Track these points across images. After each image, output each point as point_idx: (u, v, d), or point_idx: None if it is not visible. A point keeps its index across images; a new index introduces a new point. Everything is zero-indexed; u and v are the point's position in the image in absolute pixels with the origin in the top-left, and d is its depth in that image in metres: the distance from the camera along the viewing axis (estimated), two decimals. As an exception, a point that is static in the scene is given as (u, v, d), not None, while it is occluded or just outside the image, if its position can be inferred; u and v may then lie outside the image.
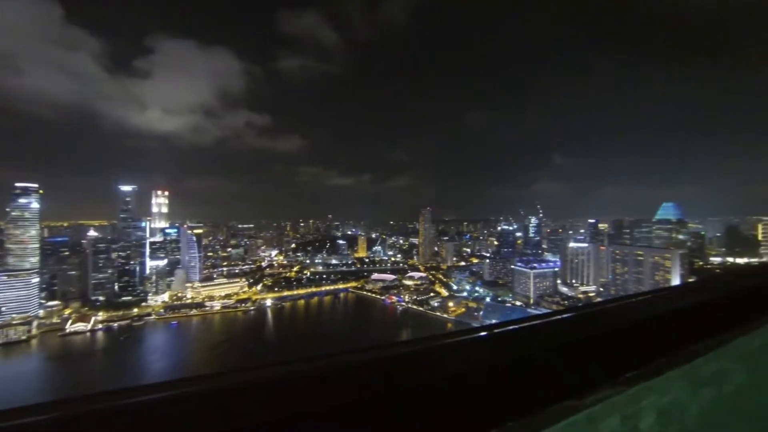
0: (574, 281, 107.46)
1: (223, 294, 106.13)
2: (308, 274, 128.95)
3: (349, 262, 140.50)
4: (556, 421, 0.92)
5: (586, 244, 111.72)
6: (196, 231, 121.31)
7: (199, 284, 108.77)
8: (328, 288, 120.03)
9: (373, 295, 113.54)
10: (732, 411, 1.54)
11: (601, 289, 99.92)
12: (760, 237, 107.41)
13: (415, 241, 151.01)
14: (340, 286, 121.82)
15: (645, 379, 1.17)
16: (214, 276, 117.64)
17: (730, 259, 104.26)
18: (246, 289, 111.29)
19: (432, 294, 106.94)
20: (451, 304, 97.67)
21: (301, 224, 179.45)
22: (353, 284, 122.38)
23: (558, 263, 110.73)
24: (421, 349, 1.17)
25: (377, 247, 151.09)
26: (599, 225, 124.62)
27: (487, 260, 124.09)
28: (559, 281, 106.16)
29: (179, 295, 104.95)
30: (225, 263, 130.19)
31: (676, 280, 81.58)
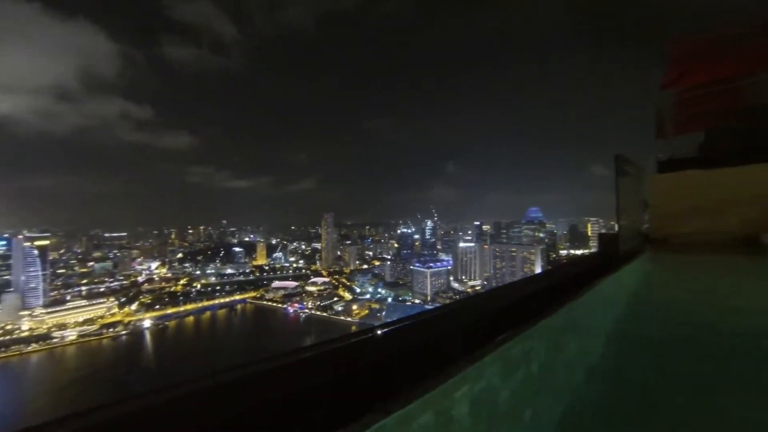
0: (463, 277, 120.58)
1: (81, 320, 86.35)
2: (198, 286, 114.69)
3: (247, 270, 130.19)
4: (365, 427, 0.92)
5: (473, 244, 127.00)
6: (38, 243, 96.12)
7: (43, 310, 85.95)
8: (222, 300, 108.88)
9: (274, 304, 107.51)
10: (539, 386, 1.63)
11: (485, 282, 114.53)
12: (589, 233, 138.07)
13: (317, 246, 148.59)
14: (237, 297, 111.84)
15: (460, 371, 1.20)
16: (68, 298, 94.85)
17: (572, 251, 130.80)
18: (116, 310, 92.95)
19: (336, 298, 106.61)
20: (354, 307, 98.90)
21: (190, 231, 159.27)
22: (252, 294, 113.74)
23: (450, 262, 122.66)
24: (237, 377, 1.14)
25: (278, 254, 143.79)
26: (483, 226, 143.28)
27: (388, 262, 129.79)
28: (451, 278, 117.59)
29: (9, 327, 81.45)
30: (85, 281, 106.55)
31: (538, 269, 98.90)
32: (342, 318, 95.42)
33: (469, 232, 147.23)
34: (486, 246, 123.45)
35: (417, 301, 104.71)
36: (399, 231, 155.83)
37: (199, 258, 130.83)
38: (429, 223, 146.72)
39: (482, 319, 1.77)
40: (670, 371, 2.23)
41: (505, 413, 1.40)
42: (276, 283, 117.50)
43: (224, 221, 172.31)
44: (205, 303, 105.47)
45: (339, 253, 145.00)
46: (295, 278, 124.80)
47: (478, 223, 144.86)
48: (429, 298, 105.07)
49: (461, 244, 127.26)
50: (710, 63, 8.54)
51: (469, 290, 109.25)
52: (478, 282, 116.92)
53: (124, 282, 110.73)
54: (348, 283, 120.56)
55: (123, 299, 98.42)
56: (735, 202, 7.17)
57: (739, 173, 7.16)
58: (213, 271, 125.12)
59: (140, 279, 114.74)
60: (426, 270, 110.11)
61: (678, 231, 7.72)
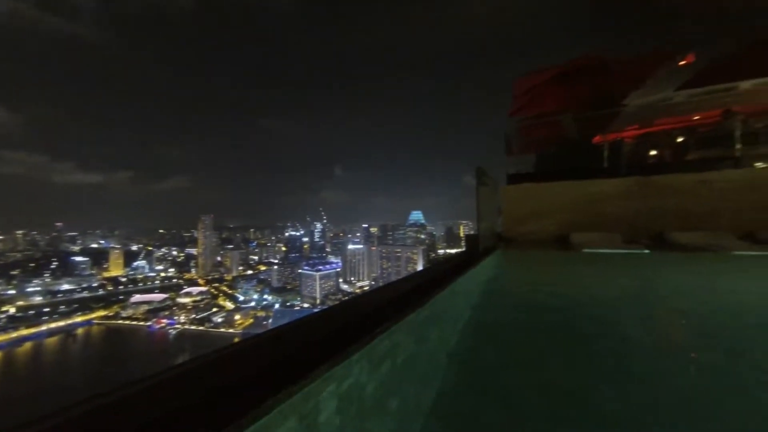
0: (352, 278, 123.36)
1: None
2: (12, 310, 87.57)
3: (95, 284, 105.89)
4: None
5: (361, 246, 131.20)
6: None
7: None
8: (53, 325, 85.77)
9: (134, 322, 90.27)
10: (405, 377, 1.75)
11: (373, 282, 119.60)
12: (461, 234, 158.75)
13: (193, 251, 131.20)
14: (78, 319, 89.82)
15: (326, 372, 1.20)
16: None
17: (448, 250, 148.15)
18: None
19: (215, 309, 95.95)
20: (237, 316, 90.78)
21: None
22: (101, 313, 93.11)
23: (339, 264, 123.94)
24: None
25: (140, 262, 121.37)
26: (371, 229, 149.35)
27: (276, 266, 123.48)
28: (341, 280, 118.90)
29: None
30: None
31: (419, 268, 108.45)
32: (222, 330, 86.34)
33: (358, 234, 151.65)
34: (373, 247, 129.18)
35: (306, 305, 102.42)
36: (287, 234, 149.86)
37: (14, 272, 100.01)
38: (318, 226, 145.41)
39: (353, 320, 1.82)
40: (508, 349, 2.72)
41: (372, 406, 1.43)
42: (137, 297, 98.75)
43: (59, 224, 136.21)
44: (24, 332, 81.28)
45: (219, 258, 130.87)
46: (163, 289, 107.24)
47: (366, 225, 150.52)
48: (318, 301, 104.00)
49: (350, 246, 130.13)
50: (538, 100, 11.06)
51: (357, 291, 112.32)
52: (366, 282, 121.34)
53: None
54: (230, 291, 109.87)
55: None
56: (554, 210, 9.44)
57: (556, 187, 9.47)
58: (39, 288, 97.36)
59: None
60: (315, 273, 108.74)
61: (521, 231, 9.69)
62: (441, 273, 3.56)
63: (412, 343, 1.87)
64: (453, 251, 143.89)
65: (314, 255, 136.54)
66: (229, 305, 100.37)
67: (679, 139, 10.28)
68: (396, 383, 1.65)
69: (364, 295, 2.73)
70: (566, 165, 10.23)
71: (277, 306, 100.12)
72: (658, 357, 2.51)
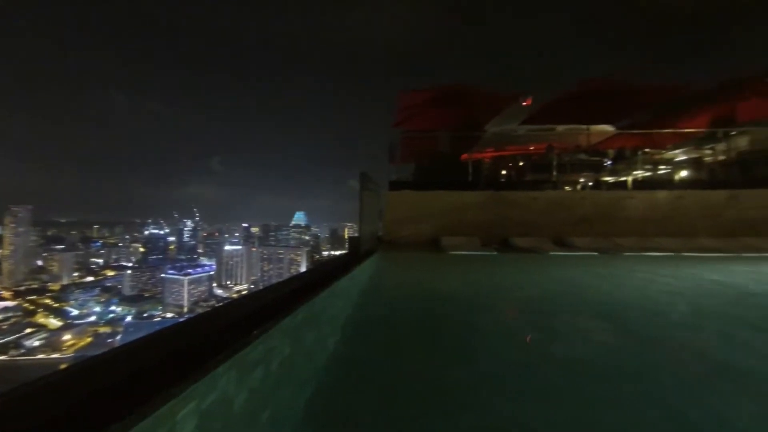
0: (229, 282, 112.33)
1: None
2: None
3: None
4: None
5: (240, 247, 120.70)
6: None
7: None
8: None
9: None
10: (278, 381, 1.69)
11: (252, 286, 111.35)
12: (345, 236, 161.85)
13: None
14: None
15: (185, 388, 1.08)
16: None
17: (332, 252, 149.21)
18: None
19: (30, 330, 73.95)
20: (67, 336, 72.04)
21: None
22: None
23: (213, 267, 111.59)
24: None
25: None
26: (252, 228, 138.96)
27: (129, 271, 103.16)
28: (215, 284, 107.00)
29: None
30: None
31: (303, 269, 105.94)
32: (41, 356, 67.04)
33: (237, 234, 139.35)
34: (254, 248, 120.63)
35: (169, 315, 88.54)
36: (147, 232, 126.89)
37: None
38: (189, 224, 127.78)
39: (224, 328, 1.70)
40: (381, 345, 2.87)
41: (242, 418, 1.35)
42: None
43: None
44: None
45: (41, 262, 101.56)
46: (-65, 308, 76.80)
47: (246, 225, 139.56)
48: (186, 309, 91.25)
49: (227, 247, 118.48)
50: (418, 117, 12.33)
51: (234, 295, 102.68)
52: (245, 286, 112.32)
53: None
54: (56, 305, 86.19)
55: None
56: (428, 215, 10.62)
57: (430, 196, 10.69)
58: None
59: None
60: (183, 277, 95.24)
61: (400, 234, 10.55)
62: (323, 274, 3.59)
63: (287, 347, 1.81)
64: (337, 253, 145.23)
65: (182, 257, 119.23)
66: (54, 323, 78.59)
67: (521, 164, 12.89)
68: (269, 390, 1.58)
69: (240, 300, 2.56)
70: (439, 176, 11.64)
71: (129, 318, 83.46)
72: (498, 338, 3.12)
